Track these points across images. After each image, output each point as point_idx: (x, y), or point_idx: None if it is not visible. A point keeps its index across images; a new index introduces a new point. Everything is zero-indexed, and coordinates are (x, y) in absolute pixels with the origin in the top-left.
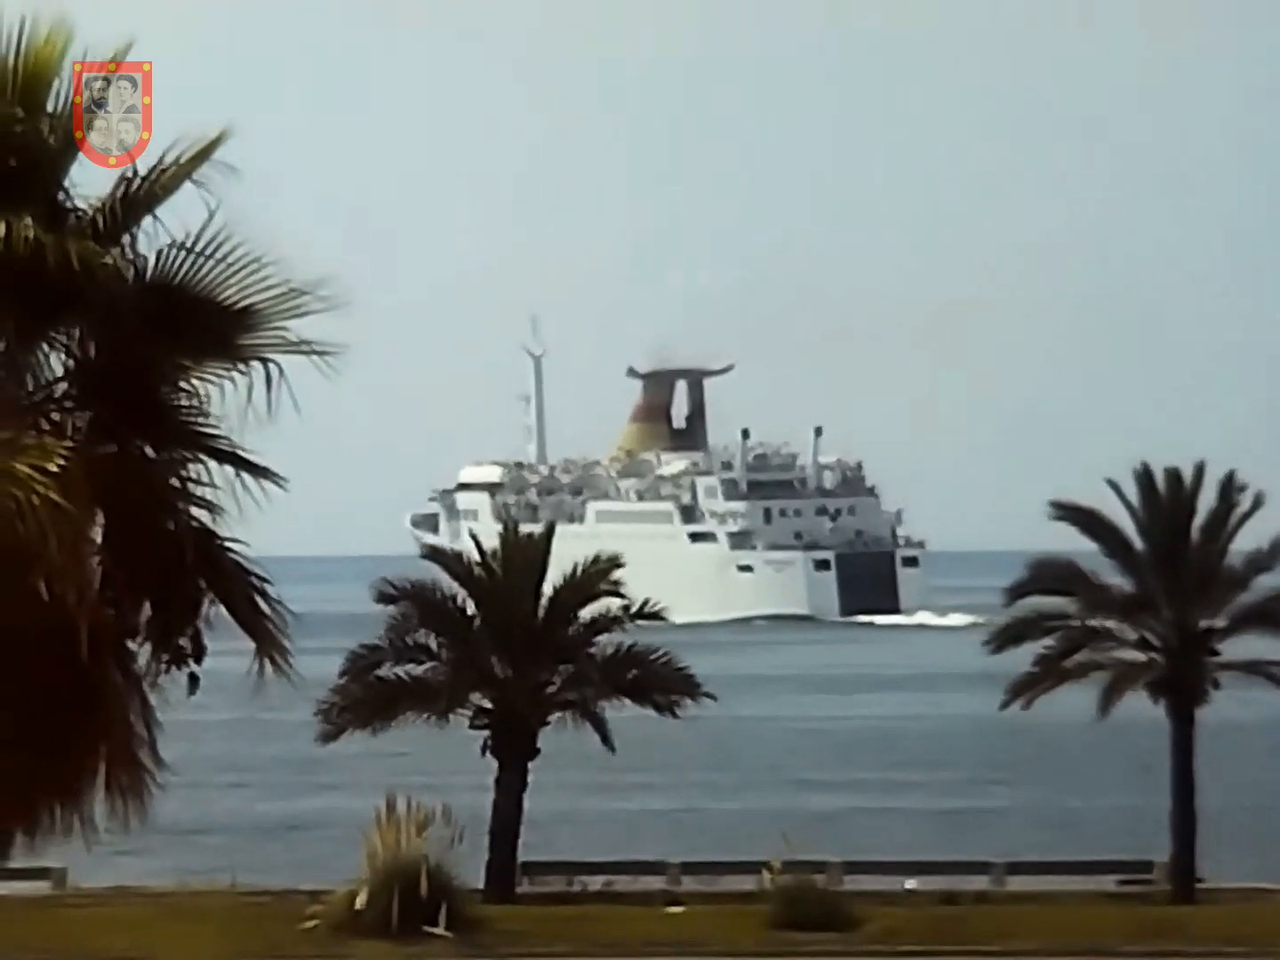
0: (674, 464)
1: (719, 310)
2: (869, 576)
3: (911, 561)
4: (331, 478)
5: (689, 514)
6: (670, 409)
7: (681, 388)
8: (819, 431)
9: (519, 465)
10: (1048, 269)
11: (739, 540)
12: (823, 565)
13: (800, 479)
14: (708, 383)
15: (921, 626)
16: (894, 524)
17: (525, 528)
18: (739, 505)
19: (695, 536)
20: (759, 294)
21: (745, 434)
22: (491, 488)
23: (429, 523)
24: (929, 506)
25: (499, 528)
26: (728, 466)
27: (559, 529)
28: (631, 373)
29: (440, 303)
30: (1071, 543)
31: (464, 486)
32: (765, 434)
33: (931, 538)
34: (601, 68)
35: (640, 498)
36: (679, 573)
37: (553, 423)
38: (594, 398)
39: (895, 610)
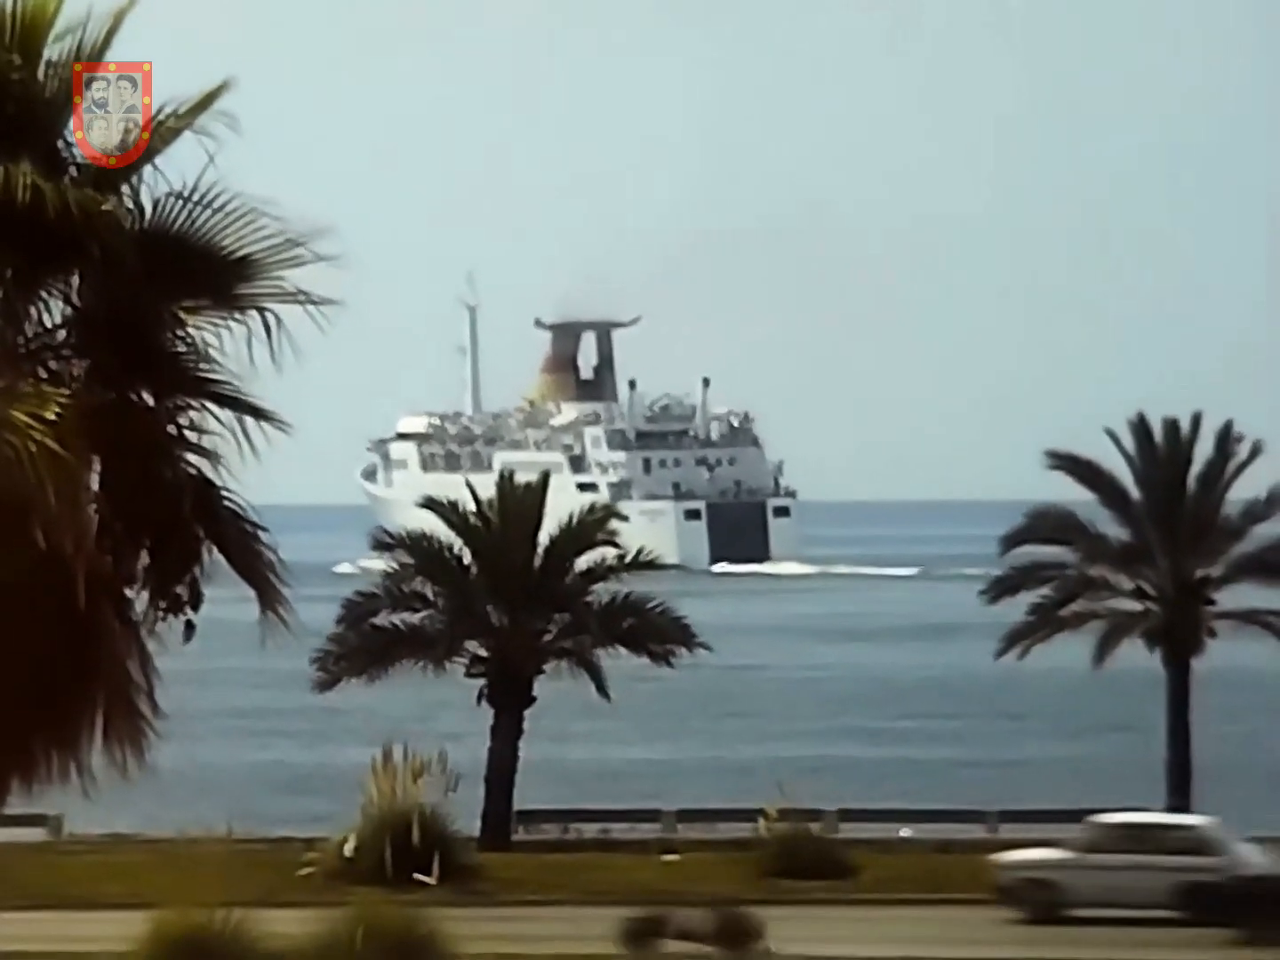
0: (566, 414)
1: (636, 261)
2: (740, 526)
3: (783, 511)
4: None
5: (577, 464)
6: (577, 360)
7: (590, 339)
8: (706, 382)
9: (456, 415)
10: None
11: (618, 491)
12: (693, 515)
13: (694, 430)
14: (624, 334)
15: (789, 576)
16: (776, 475)
17: (444, 476)
18: (620, 455)
19: (582, 486)
20: (679, 242)
21: (632, 385)
22: (419, 438)
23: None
24: (823, 457)
25: (425, 477)
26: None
27: (470, 478)
28: (539, 324)
29: (389, 253)
30: (951, 493)
31: (402, 436)
32: (676, 385)
33: (819, 488)
34: (520, 22)
35: (539, 448)
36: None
37: (496, 373)
38: (532, 348)
39: (766, 560)
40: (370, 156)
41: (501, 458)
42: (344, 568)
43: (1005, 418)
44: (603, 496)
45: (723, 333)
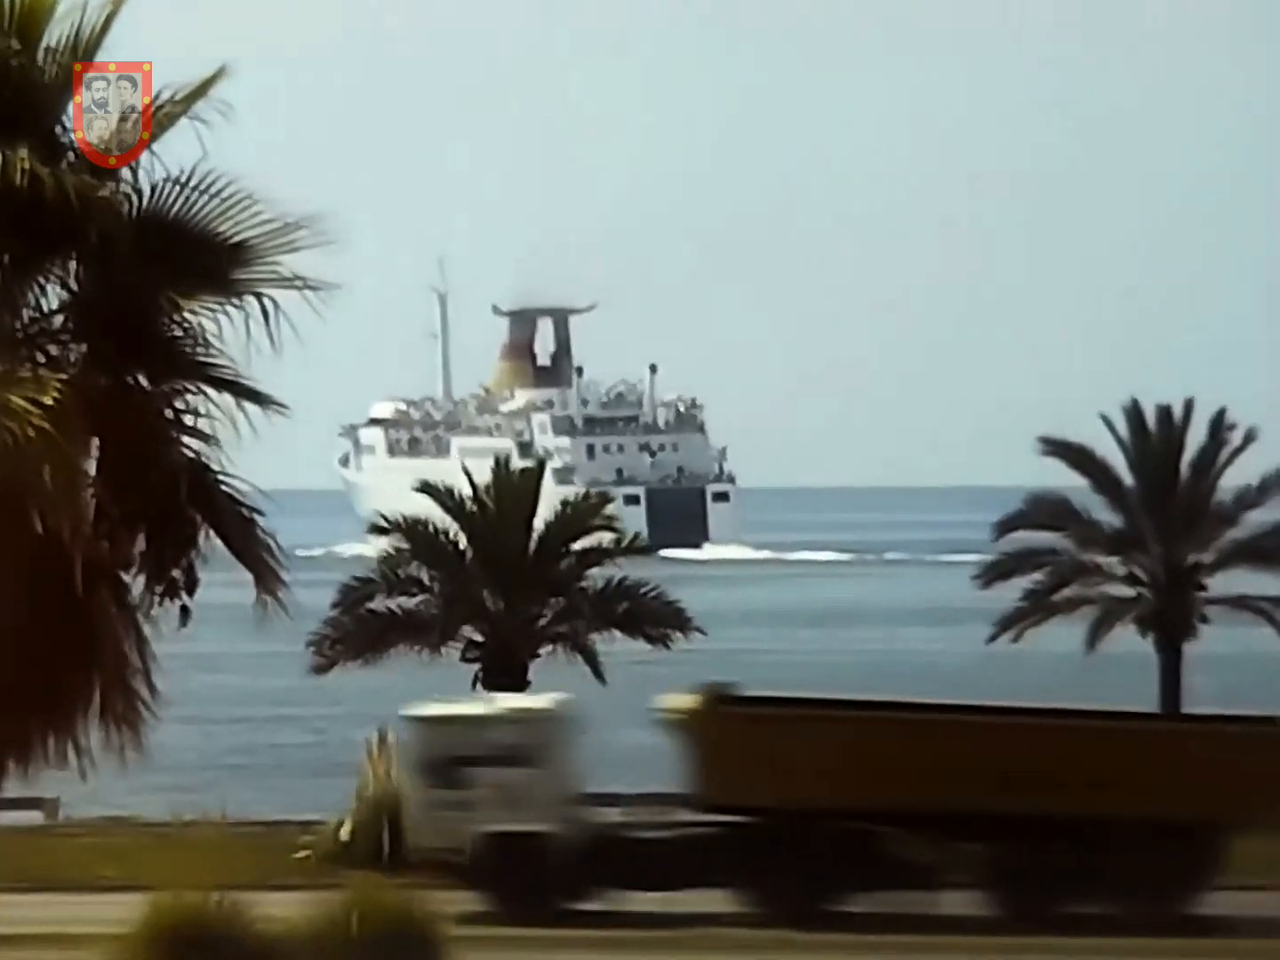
0: (517, 400)
1: (600, 248)
2: (679, 512)
3: (722, 497)
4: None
5: (525, 450)
6: (534, 346)
7: (548, 326)
8: (654, 369)
9: (421, 401)
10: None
11: (562, 476)
12: (632, 500)
13: (644, 416)
14: (588, 321)
15: (723, 561)
16: (719, 460)
17: (407, 461)
18: (565, 442)
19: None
20: (644, 229)
21: (579, 371)
22: (387, 424)
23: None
24: (792, 443)
25: (391, 462)
26: (583, 403)
27: (427, 464)
28: (496, 311)
29: (372, 237)
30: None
31: (374, 422)
32: (637, 371)
33: (786, 474)
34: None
35: (492, 434)
36: None
37: (472, 358)
38: (503, 334)
39: (704, 545)
40: (346, 141)
41: (458, 444)
42: (299, 552)
43: (977, 406)
44: (547, 483)
45: (692, 319)
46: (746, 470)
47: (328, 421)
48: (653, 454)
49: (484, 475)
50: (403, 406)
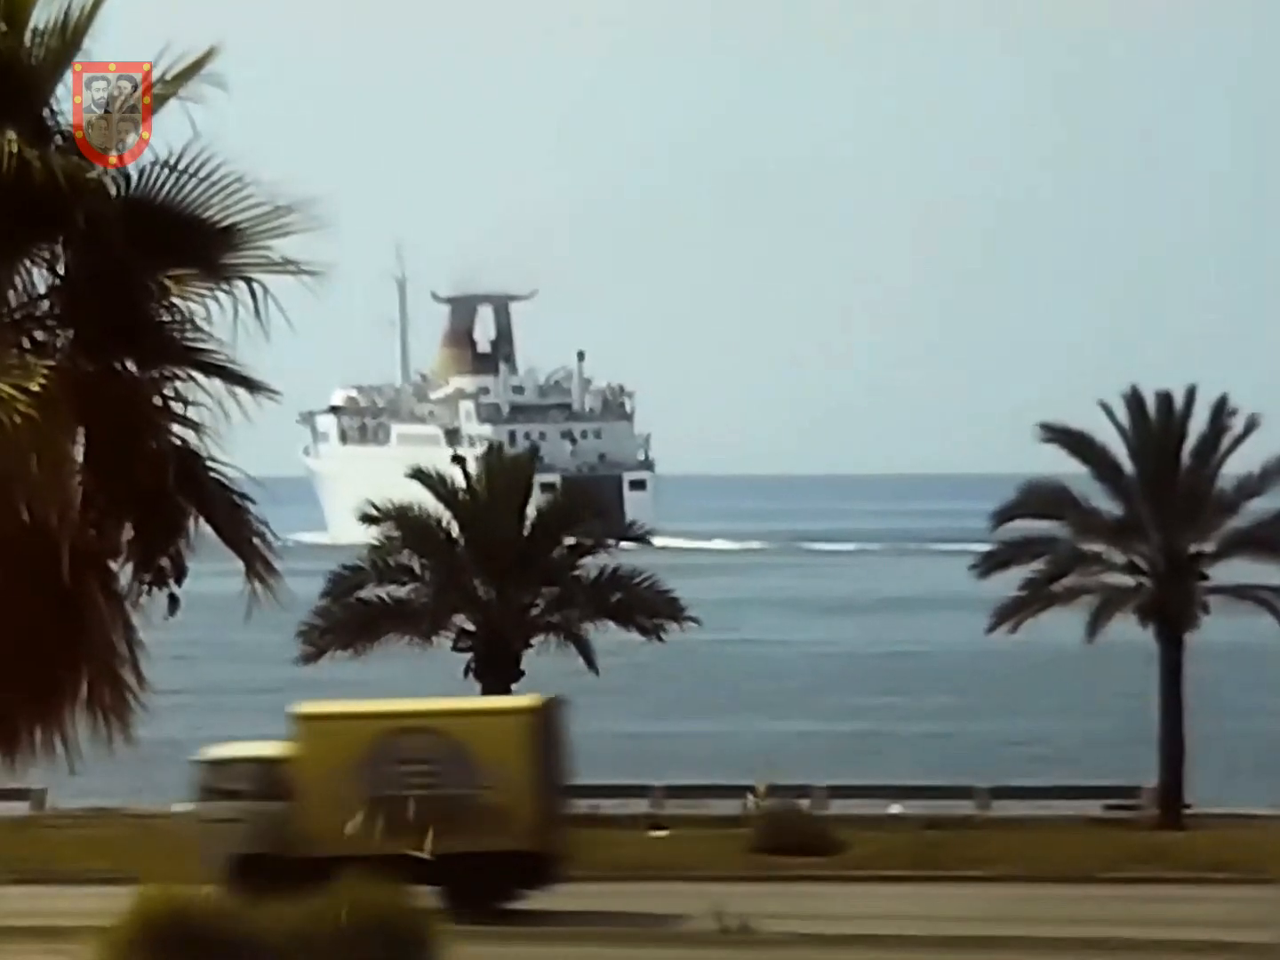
0: (448, 387)
1: (547, 235)
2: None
3: (639, 485)
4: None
5: (453, 437)
6: (473, 333)
7: (489, 313)
8: (581, 356)
9: (371, 388)
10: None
11: None
12: (547, 488)
13: (575, 403)
14: (532, 308)
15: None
16: (643, 447)
17: (357, 448)
18: (487, 429)
19: (456, 459)
20: (592, 216)
21: (508, 358)
22: (340, 411)
23: None
24: (705, 433)
25: (343, 449)
26: (519, 390)
27: (366, 450)
28: (435, 297)
29: (349, 224)
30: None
31: (333, 409)
32: (574, 359)
33: (691, 462)
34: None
35: (425, 421)
36: None
37: (433, 346)
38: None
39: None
40: (316, 127)
41: (397, 430)
42: None
43: (972, 397)
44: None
45: (637, 308)
46: (704, 460)
47: (296, 408)
48: (574, 441)
49: (417, 461)
50: (353, 394)
